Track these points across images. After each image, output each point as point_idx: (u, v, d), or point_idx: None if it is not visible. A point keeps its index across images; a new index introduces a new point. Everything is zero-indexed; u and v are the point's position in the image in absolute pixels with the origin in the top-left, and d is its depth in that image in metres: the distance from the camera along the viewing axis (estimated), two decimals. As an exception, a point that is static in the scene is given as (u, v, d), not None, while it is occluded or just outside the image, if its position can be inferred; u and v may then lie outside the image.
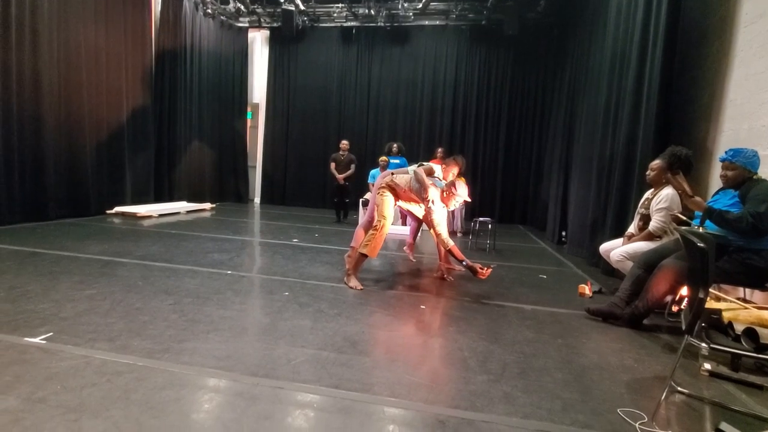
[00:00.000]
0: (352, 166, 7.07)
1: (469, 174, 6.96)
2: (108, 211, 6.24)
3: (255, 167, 10.08)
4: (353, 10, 8.61)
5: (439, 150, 7.25)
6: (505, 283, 3.69)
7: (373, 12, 8.40)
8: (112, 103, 6.45)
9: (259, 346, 2.06)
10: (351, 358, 1.98)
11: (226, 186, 9.47)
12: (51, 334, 2.02)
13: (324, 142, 9.17)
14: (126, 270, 3.30)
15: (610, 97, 4.56)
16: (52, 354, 1.83)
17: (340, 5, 8.68)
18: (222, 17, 8.95)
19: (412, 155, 7.72)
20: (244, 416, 1.47)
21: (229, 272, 3.40)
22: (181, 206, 7.33)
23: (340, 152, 7.14)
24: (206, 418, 1.47)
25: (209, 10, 8.50)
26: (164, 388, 1.61)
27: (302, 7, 8.48)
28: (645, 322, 2.67)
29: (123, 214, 6.23)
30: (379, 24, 8.65)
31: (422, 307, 2.86)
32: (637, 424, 1.55)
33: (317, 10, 8.80)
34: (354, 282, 3.20)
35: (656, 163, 3.07)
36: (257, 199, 10.02)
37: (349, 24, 8.93)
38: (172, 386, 1.63)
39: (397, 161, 7.26)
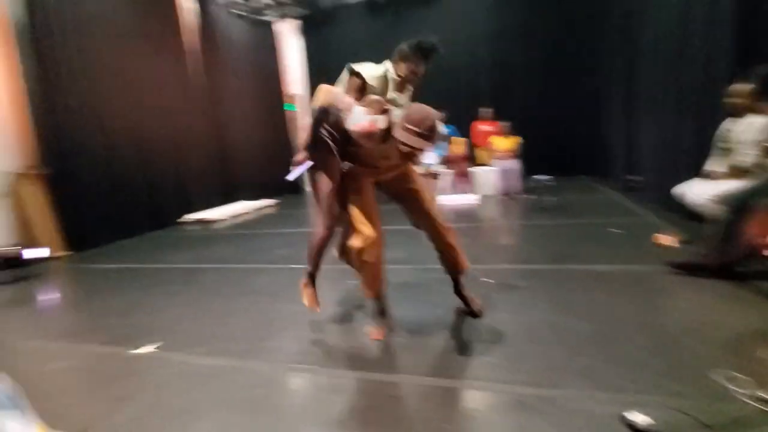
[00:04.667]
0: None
1: (520, 129, 6.60)
2: (182, 220, 6.80)
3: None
4: (376, -22, 8.33)
5: (483, 110, 6.95)
6: (572, 243, 3.52)
7: (397, -24, 8.06)
8: (172, 120, 6.87)
9: (333, 338, 2.18)
10: (420, 341, 2.02)
11: (281, 179, 9.85)
12: (160, 344, 2.29)
13: (367, 121, 9.15)
14: (206, 276, 3.61)
15: (681, 18, 3.99)
16: (159, 362, 2.08)
17: (361, -24, 8.46)
18: (252, 15, 9.08)
19: (457, 121, 7.46)
20: (331, 406, 1.58)
21: (293, 266, 3.58)
22: (248, 206, 7.77)
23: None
24: (299, 412, 1.60)
25: (237, 11, 8.65)
26: (256, 387, 1.77)
27: (324, -12, 8.34)
28: (738, 270, 2.42)
29: (196, 222, 6.75)
30: (404, -13, 8.31)
31: (484, 279, 2.81)
32: (737, 389, 1.43)
33: (340, -14, 8.63)
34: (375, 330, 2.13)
35: (741, 87, 2.68)
36: (309, 188, 10.32)
37: (375, -5, 8.67)
38: (261, 384, 1.79)
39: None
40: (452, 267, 2.26)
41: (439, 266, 2.30)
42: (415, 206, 2.21)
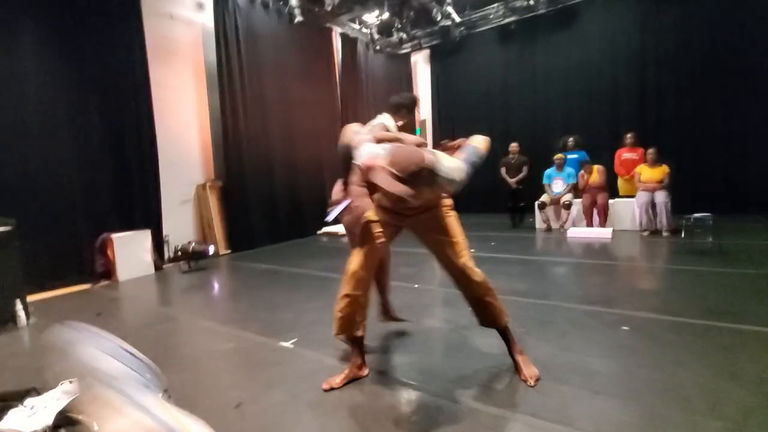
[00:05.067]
0: (525, 169, 6.78)
1: (672, 158, 5.80)
2: (318, 232, 7.62)
3: (426, 179, 10.68)
4: (510, 5, 8.32)
5: (629, 135, 6.31)
6: (739, 297, 2.96)
7: (532, 1, 7.93)
8: (318, 144, 7.86)
9: (449, 363, 2.23)
10: (545, 385, 1.95)
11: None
12: (296, 339, 2.64)
13: (491, 146, 9.04)
14: (337, 285, 3.99)
15: None
16: (298, 356, 2.40)
17: (495, 5, 8.53)
18: (387, 49, 9.88)
19: (593, 148, 6.91)
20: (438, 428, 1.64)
21: (417, 286, 3.74)
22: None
23: (510, 156, 6.94)
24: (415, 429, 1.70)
25: (378, 47, 9.51)
26: (377, 396, 1.92)
27: (458, 20, 8.64)
28: None
29: (328, 234, 7.51)
30: (539, 12, 8.10)
31: (624, 328, 2.56)
32: None
33: (472, 16, 8.85)
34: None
35: None
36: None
37: (506, 21, 8.65)
38: (391, 398, 1.94)
39: (574, 156, 6.64)
40: (486, 321, 2.07)
41: (565, 302, 2.19)
42: (443, 257, 2.05)
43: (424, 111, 10.53)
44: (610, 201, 6.03)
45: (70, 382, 2.09)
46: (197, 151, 6.31)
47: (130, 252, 4.92)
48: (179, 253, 5.25)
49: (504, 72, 8.91)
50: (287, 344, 2.58)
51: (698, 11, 6.76)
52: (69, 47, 4.73)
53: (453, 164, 1.67)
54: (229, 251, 6.23)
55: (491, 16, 8.72)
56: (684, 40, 6.91)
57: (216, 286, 4.50)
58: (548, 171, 6.61)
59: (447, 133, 9.84)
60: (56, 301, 4.12)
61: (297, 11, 7.28)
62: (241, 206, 6.33)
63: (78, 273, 4.69)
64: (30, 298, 4.03)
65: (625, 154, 6.30)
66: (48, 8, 4.54)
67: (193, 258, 5.17)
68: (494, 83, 9.05)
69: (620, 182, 6.36)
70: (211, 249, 5.32)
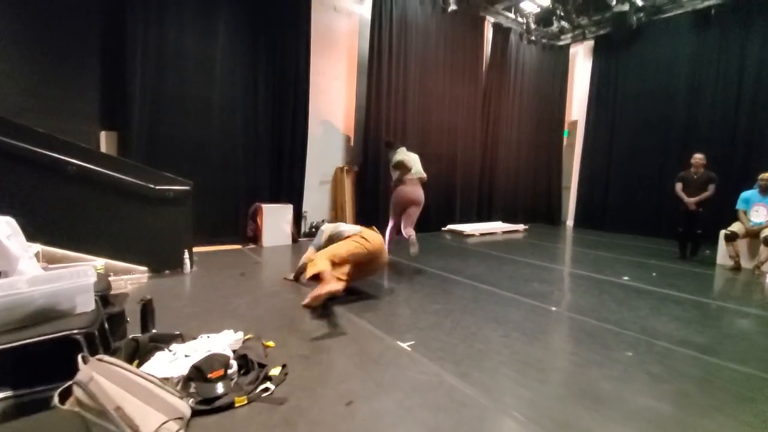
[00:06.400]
0: (711, 187, 5.40)
1: None
2: (442, 228, 7.40)
3: (569, 188, 9.53)
4: (716, -16, 6.71)
5: None
6: None
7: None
8: (449, 139, 7.61)
9: (598, 423, 1.76)
10: None
11: (538, 207, 9.40)
12: (413, 342, 2.46)
13: (662, 156, 7.55)
14: (460, 289, 3.71)
15: None
16: (415, 362, 2.20)
17: (695, -16, 6.99)
18: (543, 40, 8.98)
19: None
20: None
21: (554, 309, 3.22)
22: (498, 226, 7.79)
23: (692, 169, 5.61)
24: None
25: (533, 38, 8.71)
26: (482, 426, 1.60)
27: (640, 3, 7.33)
28: None
29: (453, 232, 7.22)
30: (759, -9, 6.35)
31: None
32: None
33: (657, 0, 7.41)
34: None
35: None
36: (570, 222, 9.42)
37: (705, 4, 7.01)
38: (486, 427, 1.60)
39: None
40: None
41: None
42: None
43: (578, 112, 9.35)
44: None
45: (208, 337, 2.26)
46: (340, 135, 6.63)
47: (275, 222, 5.41)
48: (313, 230, 5.59)
49: (694, 66, 7.26)
50: (404, 345, 2.40)
51: None
52: (250, 35, 5.35)
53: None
54: (356, 235, 6.43)
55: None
56: None
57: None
58: (746, 194, 5.15)
59: (604, 137, 8.56)
60: (214, 255, 4.73)
61: (451, 0, 7.06)
62: (372, 193, 6.45)
63: (234, 234, 5.35)
64: (197, 250, 4.72)
65: None
66: (240, -1, 5.17)
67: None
68: (678, 80, 7.45)
69: None
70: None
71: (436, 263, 4.71)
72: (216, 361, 1.90)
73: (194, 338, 2.23)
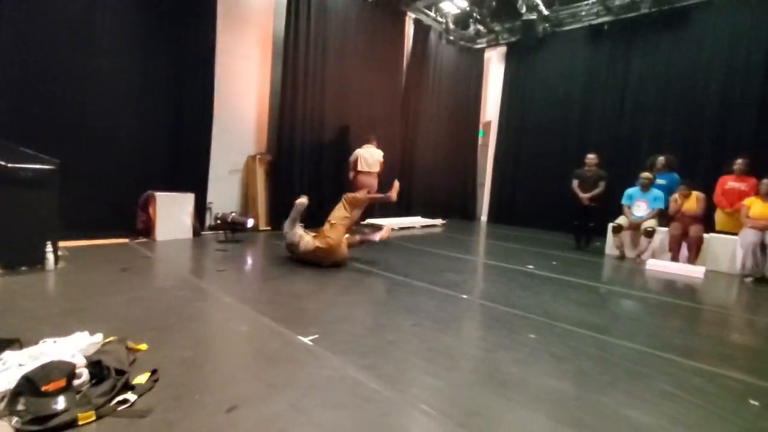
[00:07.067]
0: (601, 184, 5.96)
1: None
2: (361, 222, 7.24)
3: (483, 185, 10.00)
4: (607, 3, 7.44)
5: (738, 161, 5.35)
6: None
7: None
8: (368, 132, 7.41)
9: (505, 408, 1.70)
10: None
11: (455, 203, 9.70)
12: (317, 336, 2.23)
13: (562, 157, 8.20)
14: (373, 280, 3.56)
15: None
16: (316, 357, 1.97)
17: (590, 1, 7.71)
18: (461, 42, 9.29)
19: (689, 170, 5.97)
20: None
21: (465, 297, 3.21)
22: (417, 221, 7.86)
23: (586, 168, 6.14)
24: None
25: (451, 37, 8.96)
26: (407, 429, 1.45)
27: (546, 13, 7.89)
28: None
29: (372, 226, 7.10)
30: (641, 12, 7.17)
31: (753, 402, 1.88)
32: None
33: (561, 13, 8.06)
34: None
35: None
36: (484, 218, 9.88)
37: (599, 20, 7.77)
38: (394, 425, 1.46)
39: (662, 182, 5.76)
40: None
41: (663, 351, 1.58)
42: None
43: (492, 113, 9.85)
44: (704, 235, 5.10)
45: (54, 341, 1.81)
46: (253, 122, 6.13)
47: (171, 213, 4.79)
48: (218, 222, 5.07)
49: (588, 76, 8.00)
50: (306, 340, 2.16)
51: None
52: (143, 1, 4.67)
53: None
54: (269, 228, 6.00)
55: (583, 14, 7.90)
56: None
57: (248, 261, 4.22)
58: (630, 191, 5.75)
59: (513, 138, 9.12)
60: (92, 249, 4.03)
61: (373, -11, 6.94)
62: (287, 184, 6.07)
63: (118, 226, 4.62)
64: (68, 244, 3.97)
65: (730, 183, 5.31)
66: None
67: (231, 228, 4.97)
68: (575, 87, 8.16)
69: (719, 215, 5.37)
70: (251, 222, 5.08)
71: (352, 256, 4.52)
72: (55, 369, 1.50)
73: (36, 344, 1.76)
